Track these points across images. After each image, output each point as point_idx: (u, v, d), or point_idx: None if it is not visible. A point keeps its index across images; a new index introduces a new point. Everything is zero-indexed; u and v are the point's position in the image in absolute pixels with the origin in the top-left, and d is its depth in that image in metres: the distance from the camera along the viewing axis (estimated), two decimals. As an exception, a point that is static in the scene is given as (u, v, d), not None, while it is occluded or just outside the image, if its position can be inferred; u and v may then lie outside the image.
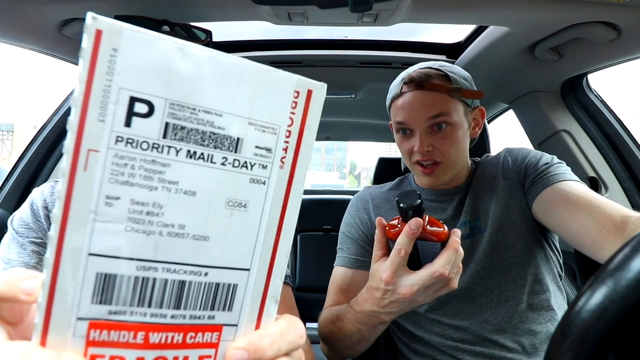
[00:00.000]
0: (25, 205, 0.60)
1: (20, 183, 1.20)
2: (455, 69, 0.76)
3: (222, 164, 0.21)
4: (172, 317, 0.21)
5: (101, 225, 0.19)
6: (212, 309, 0.22)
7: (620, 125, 1.07)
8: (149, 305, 0.20)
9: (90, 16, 0.18)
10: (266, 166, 0.22)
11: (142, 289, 0.20)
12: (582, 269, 1.08)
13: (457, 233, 0.52)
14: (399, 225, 0.53)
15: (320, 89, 0.23)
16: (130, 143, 0.19)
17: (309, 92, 0.22)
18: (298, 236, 2.19)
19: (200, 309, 0.22)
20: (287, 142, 0.23)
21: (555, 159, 0.74)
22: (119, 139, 0.19)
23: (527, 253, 0.71)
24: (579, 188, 0.66)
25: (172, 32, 0.77)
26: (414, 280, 0.50)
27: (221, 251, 0.22)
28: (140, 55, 0.19)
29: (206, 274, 0.22)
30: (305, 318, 0.45)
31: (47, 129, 1.23)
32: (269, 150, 0.22)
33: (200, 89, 0.20)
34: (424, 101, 0.72)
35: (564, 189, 0.66)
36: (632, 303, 0.21)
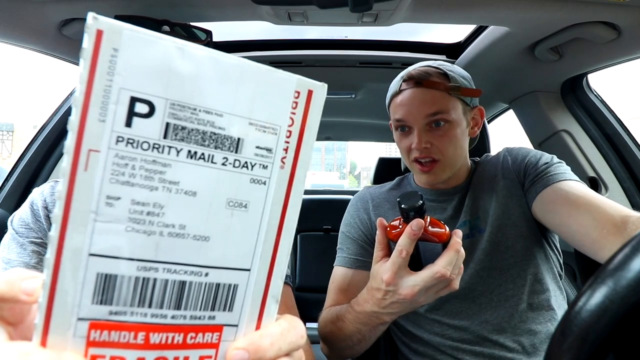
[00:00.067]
0: (25, 205, 0.60)
1: (20, 183, 1.20)
2: (455, 68, 0.76)
3: (223, 164, 0.21)
4: (173, 317, 0.21)
5: (102, 226, 0.19)
6: (213, 309, 0.22)
7: (620, 125, 1.07)
8: (150, 306, 0.20)
9: (91, 16, 0.18)
10: (267, 166, 0.22)
11: (142, 290, 0.20)
12: (582, 269, 1.08)
13: (458, 234, 0.52)
14: (400, 226, 0.53)
15: (320, 89, 0.23)
16: (131, 143, 0.19)
17: (310, 93, 0.23)
18: (298, 236, 2.19)
19: (200, 310, 0.22)
20: (287, 142, 0.23)
21: (555, 159, 0.74)
22: (120, 139, 0.19)
23: (527, 253, 0.71)
24: (579, 188, 0.66)
25: (172, 32, 0.77)
26: (415, 281, 0.50)
27: (222, 251, 0.22)
28: (141, 56, 0.19)
29: (207, 274, 0.22)
30: (305, 318, 0.45)
31: (47, 129, 1.23)
32: (269, 150, 0.22)
33: (200, 89, 0.20)
34: (423, 98, 0.72)
35: (564, 189, 0.66)
36: (632, 303, 0.21)
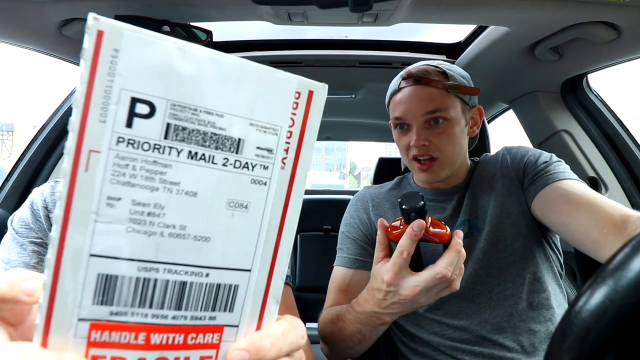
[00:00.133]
0: (25, 206, 0.60)
1: (20, 183, 1.20)
2: (454, 67, 0.77)
3: (224, 164, 0.21)
4: (173, 318, 0.21)
5: (102, 226, 0.19)
6: (213, 309, 0.22)
7: (620, 125, 1.07)
8: (150, 306, 0.20)
9: (91, 17, 0.18)
10: (267, 167, 0.22)
11: (143, 290, 0.20)
12: (582, 269, 1.08)
13: (459, 234, 0.52)
14: (401, 227, 0.53)
15: (321, 90, 0.23)
16: (132, 144, 0.19)
17: (310, 93, 0.23)
18: (298, 236, 2.19)
19: (201, 310, 0.22)
20: (288, 142, 0.23)
21: (554, 157, 0.74)
22: (120, 139, 0.19)
23: (526, 251, 0.71)
24: (579, 187, 0.66)
25: (173, 32, 0.77)
26: (416, 281, 0.50)
27: (222, 252, 0.22)
28: (142, 56, 0.19)
29: (207, 275, 0.22)
30: (305, 318, 0.45)
31: (47, 129, 1.23)
32: (270, 151, 0.22)
33: (201, 90, 0.20)
34: (422, 96, 0.72)
35: (564, 188, 0.66)
36: (633, 303, 0.21)
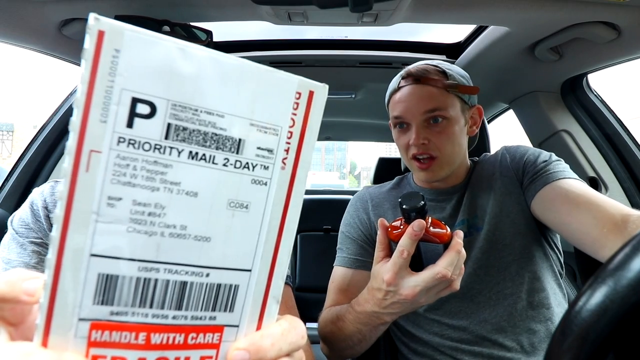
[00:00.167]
0: (25, 206, 0.60)
1: (20, 183, 1.20)
2: (453, 67, 0.77)
3: (224, 165, 0.21)
4: (174, 317, 0.21)
5: (103, 226, 0.19)
6: (214, 309, 0.22)
7: (620, 125, 1.07)
8: (151, 306, 0.20)
9: (92, 17, 0.18)
10: (268, 167, 0.22)
11: (143, 290, 0.20)
12: (582, 269, 1.08)
13: (459, 235, 0.52)
14: (401, 227, 0.53)
15: (321, 90, 0.23)
16: (132, 144, 0.19)
17: (311, 93, 0.23)
18: (298, 236, 2.19)
19: (201, 310, 0.22)
20: (288, 143, 0.23)
21: (554, 156, 0.74)
22: (121, 139, 0.19)
23: (525, 251, 0.71)
24: (579, 186, 0.66)
25: (173, 33, 0.77)
26: (416, 281, 0.50)
27: (222, 252, 0.22)
28: (142, 56, 0.19)
29: (207, 275, 0.22)
30: (305, 318, 0.45)
31: (47, 129, 1.23)
32: (270, 151, 0.22)
33: (201, 90, 0.20)
34: (421, 94, 0.73)
35: (564, 187, 0.66)
36: (633, 303, 0.21)
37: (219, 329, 0.22)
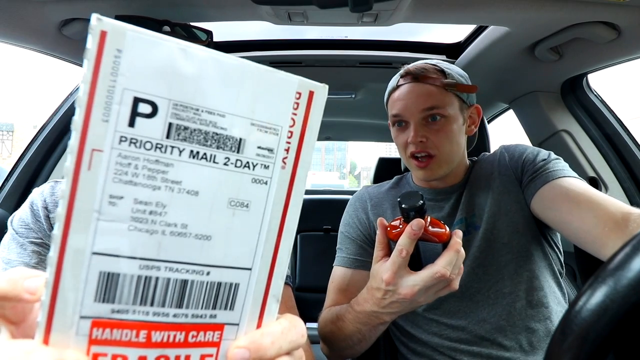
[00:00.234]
0: (25, 206, 0.60)
1: (20, 183, 1.20)
2: (452, 66, 0.77)
3: (225, 164, 0.21)
4: (175, 316, 0.21)
5: (104, 225, 0.19)
6: (214, 308, 0.22)
7: (620, 125, 1.07)
8: (152, 304, 0.21)
9: (94, 17, 0.18)
10: (268, 166, 0.22)
11: (144, 288, 0.20)
12: (582, 269, 1.08)
13: (458, 234, 0.52)
14: (400, 226, 0.53)
15: (321, 90, 0.23)
16: (134, 143, 0.19)
17: (311, 94, 0.23)
18: (298, 236, 2.19)
19: (202, 308, 0.22)
20: (289, 142, 0.23)
21: (553, 155, 0.74)
22: (123, 139, 0.19)
23: (523, 249, 0.71)
24: (579, 185, 0.66)
25: (173, 33, 0.77)
26: (415, 280, 0.50)
27: (223, 250, 0.22)
28: (144, 57, 0.19)
29: (208, 273, 0.22)
30: (305, 318, 0.45)
31: (47, 129, 1.23)
32: (271, 150, 0.22)
33: (203, 90, 0.20)
34: (419, 92, 0.73)
35: (564, 186, 0.66)
36: (633, 302, 0.21)
37: (219, 327, 0.22)
